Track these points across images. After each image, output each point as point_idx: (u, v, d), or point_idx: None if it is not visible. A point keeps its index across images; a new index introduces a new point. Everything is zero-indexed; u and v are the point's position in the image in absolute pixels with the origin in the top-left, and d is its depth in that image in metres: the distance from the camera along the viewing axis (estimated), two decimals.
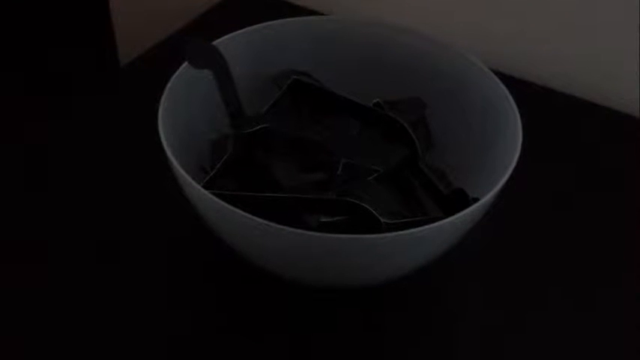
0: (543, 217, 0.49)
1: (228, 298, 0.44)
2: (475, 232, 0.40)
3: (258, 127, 0.44)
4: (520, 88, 0.45)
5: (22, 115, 0.54)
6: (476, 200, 0.38)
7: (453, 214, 0.36)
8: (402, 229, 0.35)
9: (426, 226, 0.35)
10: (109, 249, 0.45)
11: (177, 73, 0.43)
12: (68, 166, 0.51)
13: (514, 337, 0.42)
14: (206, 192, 0.36)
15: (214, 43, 0.45)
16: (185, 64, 0.43)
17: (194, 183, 0.37)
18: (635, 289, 0.45)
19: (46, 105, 0.55)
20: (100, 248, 0.45)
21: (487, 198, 0.37)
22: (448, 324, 0.43)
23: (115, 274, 0.44)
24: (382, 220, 0.39)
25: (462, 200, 0.41)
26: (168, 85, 0.42)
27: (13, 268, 0.44)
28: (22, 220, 0.47)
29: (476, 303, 0.44)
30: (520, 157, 0.39)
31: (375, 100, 0.48)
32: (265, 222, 0.35)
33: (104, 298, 0.43)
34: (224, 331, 0.42)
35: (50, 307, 0.42)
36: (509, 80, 0.44)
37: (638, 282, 0.45)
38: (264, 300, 0.43)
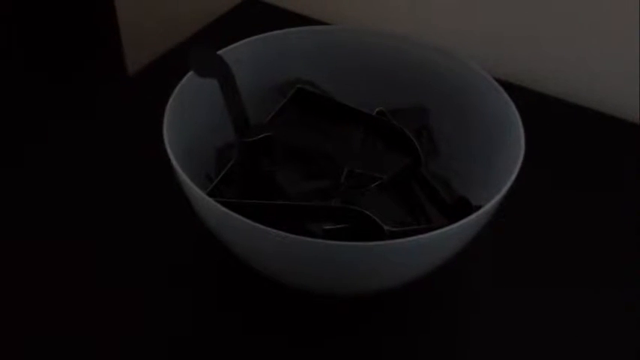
0: (544, 222, 0.49)
1: (231, 303, 0.44)
2: (477, 237, 0.40)
3: (262, 136, 0.44)
4: (520, 95, 0.45)
5: (24, 121, 0.55)
6: (479, 208, 0.38)
7: (456, 221, 0.37)
8: (405, 237, 0.36)
9: (429, 234, 0.35)
10: (111, 254, 0.46)
11: (182, 81, 0.43)
12: (73, 173, 0.51)
13: (515, 340, 0.42)
14: (210, 199, 0.37)
15: (219, 52, 0.45)
16: (190, 72, 0.44)
17: (199, 190, 0.37)
18: (636, 291, 0.45)
19: (49, 113, 0.55)
20: (103, 253, 0.46)
21: (489, 206, 0.38)
22: (449, 329, 0.43)
23: (118, 278, 0.44)
24: (385, 227, 0.39)
25: (465, 208, 0.41)
26: (174, 93, 0.42)
27: (14, 269, 0.44)
28: (23, 222, 0.47)
29: (477, 307, 0.45)
30: (522, 163, 0.39)
31: (378, 109, 0.48)
32: (269, 229, 0.35)
33: (104, 302, 0.43)
34: (225, 335, 0.42)
35: (52, 310, 0.42)
36: (509, 87, 0.44)
37: (638, 284, 0.46)
38: (267, 306, 0.43)
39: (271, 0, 0.71)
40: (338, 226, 0.40)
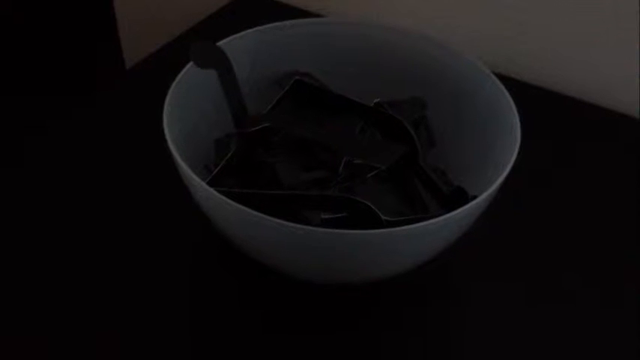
0: (539, 213, 0.50)
1: (229, 295, 0.44)
2: (474, 229, 0.40)
3: (260, 127, 0.45)
4: (518, 88, 0.45)
5: (25, 116, 0.55)
6: (475, 198, 0.39)
7: (452, 211, 0.37)
8: (402, 226, 0.36)
9: (425, 222, 0.36)
10: (111, 249, 0.46)
11: (182, 73, 0.43)
12: (72, 167, 0.51)
13: (512, 333, 0.43)
14: (210, 189, 0.37)
15: (218, 44, 0.46)
16: (189, 65, 0.44)
17: (198, 180, 0.37)
18: (631, 285, 0.46)
19: (50, 107, 0.55)
20: (104, 248, 0.46)
21: (485, 196, 0.38)
22: (445, 321, 0.44)
23: (119, 274, 0.44)
24: (383, 217, 0.40)
25: (461, 198, 0.42)
26: (174, 84, 0.42)
27: (16, 269, 0.44)
28: (26, 222, 0.47)
29: (473, 299, 0.45)
30: (519, 156, 0.40)
31: (375, 100, 0.48)
32: (268, 217, 0.35)
33: (105, 301, 0.43)
34: (223, 327, 0.42)
35: (52, 309, 0.42)
36: (506, 81, 0.45)
37: (637, 279, 0.46)
38: (267, 298, 0.44)
39: None
40: (336, 215, 0.40)
